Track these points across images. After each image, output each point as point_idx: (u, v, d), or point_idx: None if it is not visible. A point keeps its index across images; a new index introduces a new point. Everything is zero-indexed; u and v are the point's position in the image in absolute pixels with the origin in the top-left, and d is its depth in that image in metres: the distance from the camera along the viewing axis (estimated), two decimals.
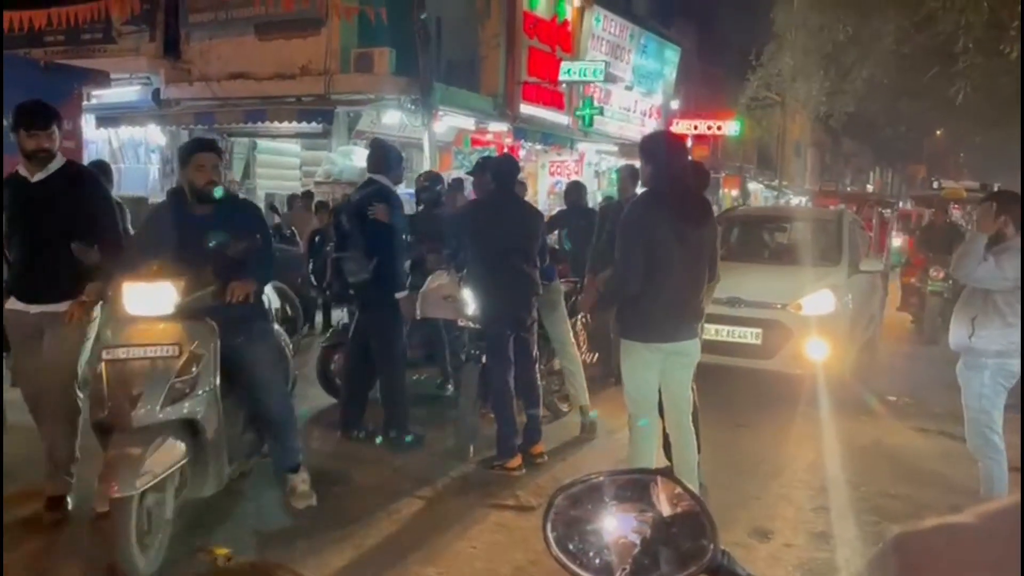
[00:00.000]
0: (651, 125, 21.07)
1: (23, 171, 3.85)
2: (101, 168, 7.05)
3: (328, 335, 6.23)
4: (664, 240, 3.83)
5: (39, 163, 3.82)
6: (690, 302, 3.98)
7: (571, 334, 5.97)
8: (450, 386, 6.30)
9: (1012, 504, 0.57)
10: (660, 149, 4.00)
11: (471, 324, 5.34)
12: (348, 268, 5.29)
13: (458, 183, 8.24)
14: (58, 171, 3.85)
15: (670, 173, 3.92)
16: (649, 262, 3.83)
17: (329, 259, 5.33)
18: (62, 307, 3.87)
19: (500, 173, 5.11)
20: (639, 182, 6.76)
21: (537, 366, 5.28)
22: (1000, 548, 0.54)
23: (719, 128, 21.77)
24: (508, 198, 5.09)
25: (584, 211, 7.78)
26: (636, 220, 3.90)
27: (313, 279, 5.57)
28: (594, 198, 11.92)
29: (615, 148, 19.36)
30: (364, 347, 5.40)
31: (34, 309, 3.90)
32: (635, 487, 0.91)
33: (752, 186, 32.89)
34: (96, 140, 14.16)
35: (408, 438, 5.34)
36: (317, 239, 5.46)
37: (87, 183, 3.94)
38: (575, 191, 8.02)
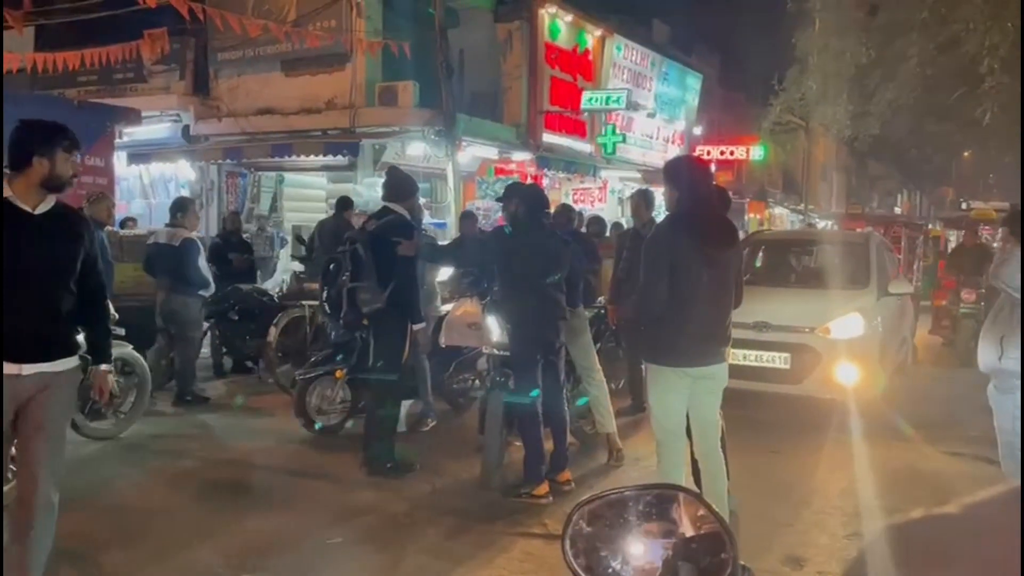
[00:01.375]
0: (674, 151, 21.09)
1: (18, 202, 3.14)
2: (180, 206, 7.36)
3: (306, 367, 6.35)
4: (691, 263, 3.84)
5: (42, 193, 3.18)
6: (718, 325, 3.98)
7: (596, 360, 5.96)
8: (431, 420, 6.33)
9: (996, 495, 0.57)
10: (685, 173, 4.02)
11: (496, 351, 5.35)
12: (362, 298, 5.33)
13: (468, 215, 8.33)
14: (54, 207, 3.23)
15: (696, 196, 3.93)
16: (676, 285, 3.84)
17: (344, 288, 5.48)
18: (60, 366, 3.21)
19: (529, 199, 5.15)
20: (652, 207, 6.86)
21: (564, 392, 5.27)
22: (984, 536, 0.54)
23: (745, 152, 21.74)
24: (536, 225, 5.12)
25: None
26: (661, 242, 3.92)
27: (327, 307, 5.78)
28: (619, 226, 11.90)
29: (638, 175, 19.37)
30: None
31: (28, 369, 3.13)
32: (656, 504, 0.91)
33: (778, 210, 32.71)
34: (128, 176, 14.48)
35: (389, 465, 5.35)
36: (332, 267, 5.70)
37: (84, 222, 3.37)
38: (563, 213, 7.56)
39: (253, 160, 13.87)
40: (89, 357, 3.45)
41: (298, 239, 11.72)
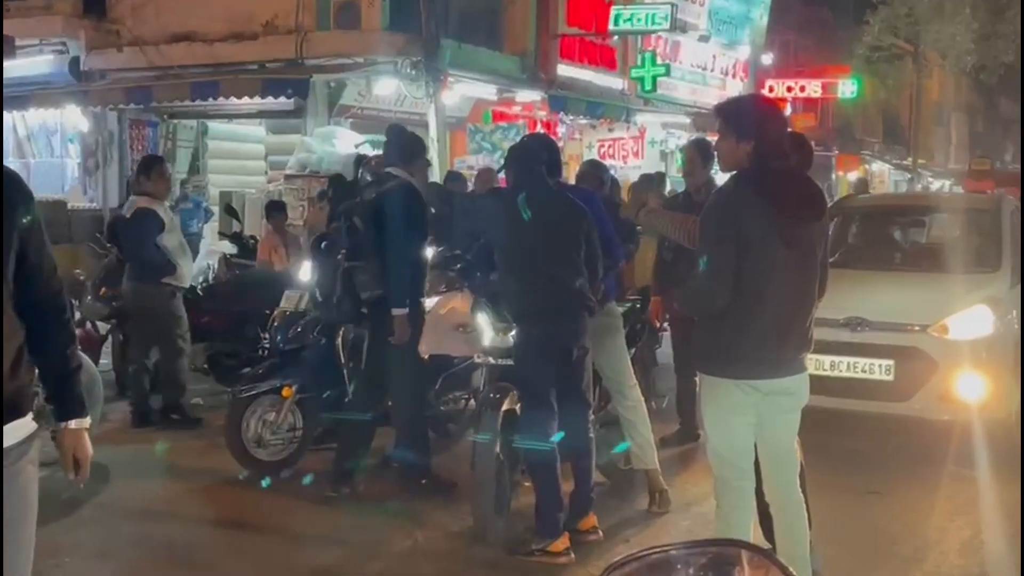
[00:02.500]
0: (735, 88, 21.06)
1: None
2: (146, 166, 7.96)
3: (243, 383, 6.41)
4: (763, 240, 3.83)
5: None
6: (797, 324, 3.98)
7: (631, 371, 5.97)
8: (408, 453, 6.39)
9: None
10: (751, 116, 4.01)
11: (491, 359, 5.37)
12: (361, 281, 5.70)
13: (456, 177, 8.37)
14: None
15: (767, 149, 3.92)
16: (743, 270, 3.83)
17: (339, 270, 5.77)
18: (22, 431, 2.76)
19: (520, 152, 5.29)
20: (711, 163, 6.81)
21: (589, 414, 5.30)
22: None
23: (831, 89, 21.69)
24: (538, 187, 5.15)
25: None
26: (725, 212, 3.92)
27: (318, 294, 6.07)
28: (649, 180, 11.90)
29: (686, 119, 19.36)
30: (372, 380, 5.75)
31: None
32: (714, 566, 0.92)
33: (876, 167, 32.72)
34: None
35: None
36: (323, 245, 5.91)
37: (16, 185, 2.77)
38: (592, 173, 7.58)
39: (166, 104, 13.86)
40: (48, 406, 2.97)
41: (228, 210, 11.75)
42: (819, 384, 4.49)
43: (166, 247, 7.47)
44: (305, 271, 7.48)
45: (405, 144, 5.99)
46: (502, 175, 7.19)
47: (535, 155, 5.24)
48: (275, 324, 6.79)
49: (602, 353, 5.74)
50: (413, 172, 5.90)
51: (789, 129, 4.42)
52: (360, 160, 9.96)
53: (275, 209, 10.43)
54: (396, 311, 5.67)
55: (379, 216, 5.66)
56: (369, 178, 6.90)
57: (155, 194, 7.61)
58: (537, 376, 5.05)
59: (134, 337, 7.97)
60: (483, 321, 5.47)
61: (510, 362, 5.29)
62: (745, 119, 4.00)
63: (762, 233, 3.84)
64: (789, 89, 22.24)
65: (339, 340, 6.42)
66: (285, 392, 6.26)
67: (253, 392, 6.31)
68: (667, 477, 5.95)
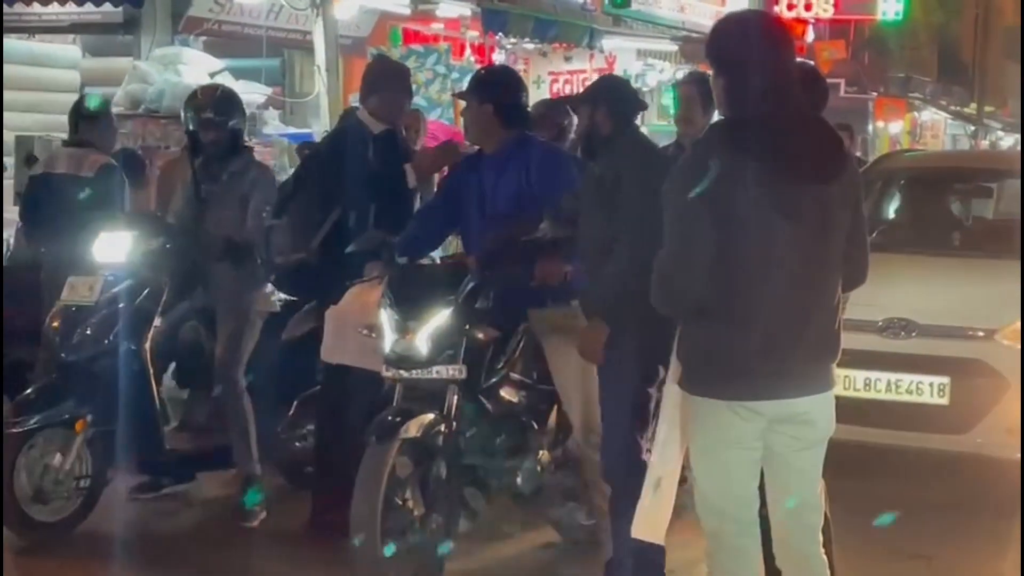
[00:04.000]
0: (739, 3, 21.20)
1: None
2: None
3: (14, 412, 6.29)
4: (751, 211, 3.85)
5: None
6: (811, 323, 3.99)
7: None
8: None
9: None
10: (728, 42, 4.07)
11: (401, 372, 5.41)
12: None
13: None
14: None
15: (764, 85, 3.95)
16: (729, 250, 3.86)
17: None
18: None
19: (615, 97, 5.57)
20: (711, 109, 6.90)
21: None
22: None
23: (867, 9, 21.93)
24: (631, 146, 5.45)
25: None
26: (692, 173, 3.93)
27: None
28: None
29: (672, 47, 19.46)
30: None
31: None
32: None
33: (928, 114, 33.18)
34: None
35: None
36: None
37: None
38: (549, 112, 7.85)
39: None
40: None
41: (28, 161, 11.57)
42: (850, 409, 4.55)
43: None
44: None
45: (368, 73, 6.79)
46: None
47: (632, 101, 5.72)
48: (53, 325, 6.48)
49: (565, 368, 5.79)
50: (373, 109, 6.50)
51: (796, 61, 4.42)
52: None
53: None
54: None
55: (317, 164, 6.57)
56: None
57: (103, 147, 7.89)
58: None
59: None
60: (385, 319, 5.47)
61: (425, 374, 5.36)
62: (724, 46, 4.07)
63: (750, 202, 3.84)
64: (809, 7, 22.49)
65: (148, 344, 6.37)
66: (77, 426, 6.15)
67: (30, 426, 6.15)
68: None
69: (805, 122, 4.11)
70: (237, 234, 6.42)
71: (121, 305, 6.33)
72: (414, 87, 15.38)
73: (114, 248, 6.51)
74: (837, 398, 4.17)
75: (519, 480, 5.76)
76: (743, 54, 3.99)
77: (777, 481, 4.09)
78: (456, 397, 5.45)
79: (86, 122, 8.09)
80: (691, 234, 3.87)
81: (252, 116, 13.15)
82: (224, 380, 6.56)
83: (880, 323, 6.66)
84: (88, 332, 6.31)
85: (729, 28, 4.22)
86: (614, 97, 5.51)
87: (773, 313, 3.91)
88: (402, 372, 5.42)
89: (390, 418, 5.31)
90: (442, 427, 5.36)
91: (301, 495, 6.83)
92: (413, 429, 5.23)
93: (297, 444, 6.92)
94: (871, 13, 23.00)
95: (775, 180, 3.87)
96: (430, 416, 5.30)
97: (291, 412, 6.76)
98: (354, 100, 14.61)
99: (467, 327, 5.48)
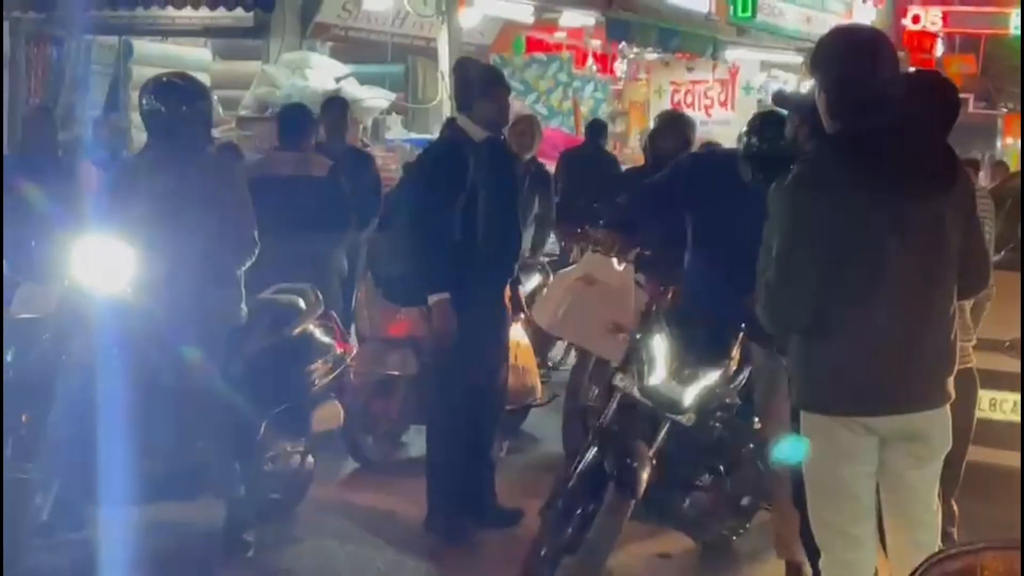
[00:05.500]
0: (867, 15, 20.97)
1: None
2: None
3: None
4: (861, 226, 3.84)
5: None
6: (925, 336, 3.95)
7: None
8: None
9: None
10: (844, 57, 4.03)
11: (648, 402, 5.42)
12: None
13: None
14: None
15: (865, 99, 3.93)
16: (836, 265, 3.85)
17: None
18: None
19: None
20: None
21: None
22: None
23: (1001, 23, 21.55)
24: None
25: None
26: (800, 192, 3.92)
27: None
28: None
29: (797, 59, 19.31)
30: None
31: None
32: None
33: None
34: None
35: None
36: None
37: None
38: (673, 129, 7.77)
39: (79, 14, 13.84)
40: None
41: None
42: (985, 431, 4.47)
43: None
44: None
45: (463, 80, 6.77)
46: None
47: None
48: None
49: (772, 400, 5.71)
50: (476, 118, 6.42)
51: (904, 71, 4.36)
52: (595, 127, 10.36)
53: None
54: (433, 297, 6.23)
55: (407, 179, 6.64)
56: None
57: None
58: None
59: None
60: (658, 349, 5.44)
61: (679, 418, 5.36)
62: (824, 60, 4.05)
63: (859, 217, 3.84)
64: (941, 18, 22.14)
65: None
66: None
67: None
68: (741, 555, 6.04)
69: (912, 135, 4.06)
70: None
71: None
72: (535, 95, 15.61)
73: None
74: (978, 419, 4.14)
75: (687, 505, 5.76)
76: (842, 68, 3.99)
77: (890, 498, 4.09)
78: (667, 437, 5.44)
79: (300, 126, 8.49)
80: (799, 257, 3.88)
81: (375, 121, 13.39)
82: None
83: (1007, 343, 6.55)
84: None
85: (831, 41, 4.20)
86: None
87: (885, 328, 3.90)
88: (647, 402, 5.43)
89: (628, 461, 5.24)
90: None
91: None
92: (644, 481, 5.20)
93: (266, 468, 6.47)
94: (1003, 26, 22.57)
95: (881, 194, 3.86)
96: (647, 463, 5.27)
97: (260, 433, 6.32)
98: None
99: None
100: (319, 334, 6.73)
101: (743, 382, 5.80)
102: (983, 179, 17.08)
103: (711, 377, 5.43)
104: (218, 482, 6.09)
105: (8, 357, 5.73)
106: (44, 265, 6.00)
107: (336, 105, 9.81)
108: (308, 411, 6.52)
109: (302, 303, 6.58)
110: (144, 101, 6.07)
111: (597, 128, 12.69)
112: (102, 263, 5.61)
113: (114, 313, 5.66)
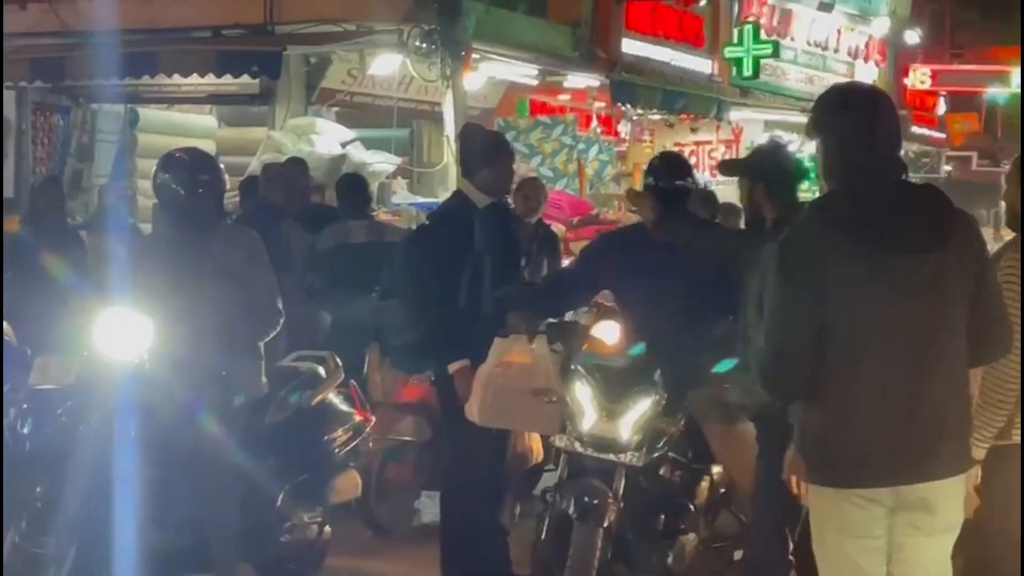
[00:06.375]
0: (868, 75, 21.06)
1: None
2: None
3: None
4: (852, 285, 3.80)
5: None
6: (925, 401, 3.86)
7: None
8: None
9: None
10: (839, 115, 4.05)
11: (590, 450, 5.54)
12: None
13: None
14: None
15: (861, 158, 3.92)
16: (831, 332, 3.81)
17: None
18: None
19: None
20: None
21: None
22: None
23: (1000, 80, 21.64)
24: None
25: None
26: (791, 256, 3.90)
27: None
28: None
29: (801, 119, 19.32)
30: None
31: None
32: None
33: None
34: None
35: None
36: None
37: None
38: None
39: (84, 82, 13.98)
40: None
41: None
42: None
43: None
44: None
45: (468, 147, 6.87)
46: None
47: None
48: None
49: (728, 448, 5.97)
50: (482, 185, 6.56)
51: (898, 127, 4.28)
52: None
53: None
54: (454, 365, 6.27)
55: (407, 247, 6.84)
56: None
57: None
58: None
59: None
60: (581, 395, 5.61)
61: (616, 458, 5.49)
62: (820, 117, 4.09)
63: (850, 276, 3.80)
64: (936, 76, 22.24)
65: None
66: None
67: None
68: None
69: (906, 191, 4.03)
70: None
71: None
72: (540, 157, 15.63)
73: None
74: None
75: (670, 559, 5.75)
76: (837, 126, 4.01)
77: (898, 571, 3.98)
78: (624, 479, 5.55)
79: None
80: (793, 325, 3.85)
81: (381, 185, 13.45)
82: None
83: None
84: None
85: (828, 99, 4.21)
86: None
87: (882, 392, 3.83)
88: (590, 451, 5.57)
89: (587, 499, 5.47)
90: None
91: None
92: (611, 516, 5.41)
93: (283, 539, 6.39)
94: (1004, 85, 22.67)
95: (874, 253, 3.81)
96: (607, 497, 5.46)
97: (279, 503, 6.25)
98: None
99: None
100: (338, 402, 6.72)
101: (682, 419, 5.88)
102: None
103: (642, 406, 5.53)
104: (215, 559, 5.97)
105: (25, 429, 5.72)
106: (62, 336, 6.04)
107: (356, 181, 10.20)
108: (326, 481, 6.49)
109: (322, 371, 6.59)
110: (159, 178, 6.09)
111: None
112: (121, 334, 5.58)
113: (133, 385, 5.59)
